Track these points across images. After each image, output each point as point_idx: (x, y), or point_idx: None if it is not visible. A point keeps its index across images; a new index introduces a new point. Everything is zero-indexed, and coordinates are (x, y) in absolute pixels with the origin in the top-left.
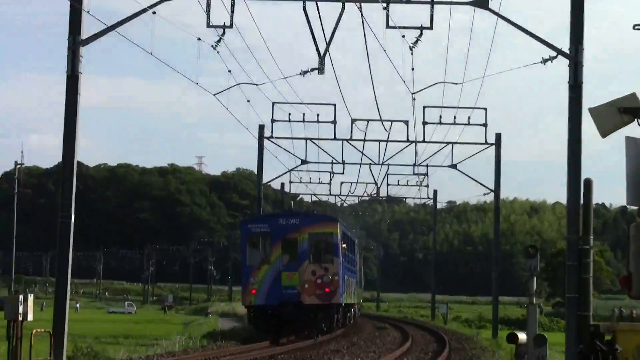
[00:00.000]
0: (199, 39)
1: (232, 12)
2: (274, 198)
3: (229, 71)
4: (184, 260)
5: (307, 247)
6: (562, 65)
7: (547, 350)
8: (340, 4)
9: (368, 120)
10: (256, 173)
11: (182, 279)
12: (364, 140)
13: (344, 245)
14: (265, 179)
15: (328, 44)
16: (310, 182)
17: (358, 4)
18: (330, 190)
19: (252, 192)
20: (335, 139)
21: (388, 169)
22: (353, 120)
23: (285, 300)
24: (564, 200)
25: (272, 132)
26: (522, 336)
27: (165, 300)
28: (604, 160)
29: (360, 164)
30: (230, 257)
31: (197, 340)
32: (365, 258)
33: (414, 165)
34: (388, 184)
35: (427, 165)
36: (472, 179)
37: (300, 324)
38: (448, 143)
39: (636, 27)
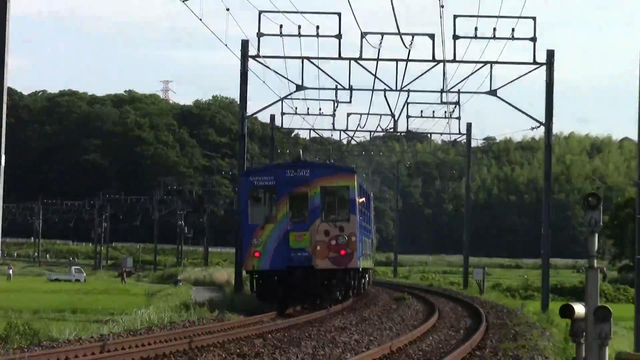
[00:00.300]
0: None
1: None
2: (262, 134)
3: None
4: (146, 214)
5: (319, 203)
6: None
7: (612, 326)
8: None
9: (382, 34)
10: (238, 102)
11: (144, 238)
12: (377, 59)
13: (360, 200)
14: (250, 110)
15: None
16: (308, 114)
17: None
18: (333, 124)
19: (234, 127)
20: (340, 58)
21: (408, 96)
22: (363, 34)
23: (294, 265)
24: (634, 135)
25: (258, 49)
26: (579, 309)
27: (123, 265)
28: None
29: (373, 90)
30: (207, 210)
31: (165, 314)
32: (378, 211)
33: (442, 91)
34: (408, 116)
35: (458, 92)
36: (517, 108)
37: (311, 292)
38: (486, 63)
39: None
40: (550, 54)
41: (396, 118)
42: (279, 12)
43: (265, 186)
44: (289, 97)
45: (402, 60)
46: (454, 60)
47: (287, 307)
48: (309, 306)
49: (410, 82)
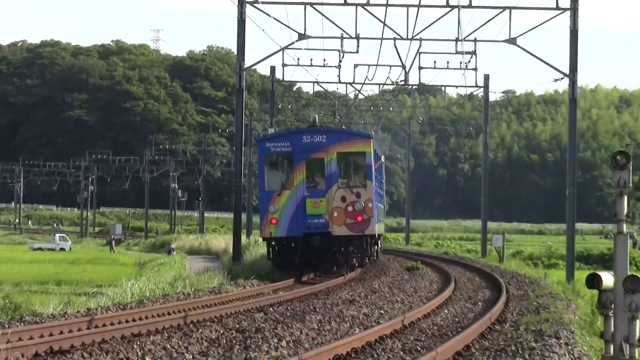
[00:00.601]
0: None
1: None
2: (262, 87)
3: None
4: (136, 177)
5: (336, 169)
6: None
7: None
8: None
9: None
10: (235, 53)
11: (133, 202)
12: (387, 5)
13: (376, 166)
14: (248, 61)
15: None
16: (311, 65)
17: None
18: (339, 76)
19: (231, 80)
20: (345, 4)
21: (420, 45)
22: None
23: (311, 231)
24: None
25: None
26: (607, 278)
27: (112, 233)
28: None
29: (382, 39)
30: (202, 172)
31: (157, 286)
32: (388, 171)
33: (457, 40)
34: (420, 67)
35: (474, 40)
36: (538, 58)
37: (328, 259)
38: (504, 8)
39: None
40: None
41: (407, 69)
42: None
43: (282, 152)
44: (291, 47)
45: (414, 5)
46: (469, 6)
47: (302, 274)
48: (323, 273)
49: (422, 30)
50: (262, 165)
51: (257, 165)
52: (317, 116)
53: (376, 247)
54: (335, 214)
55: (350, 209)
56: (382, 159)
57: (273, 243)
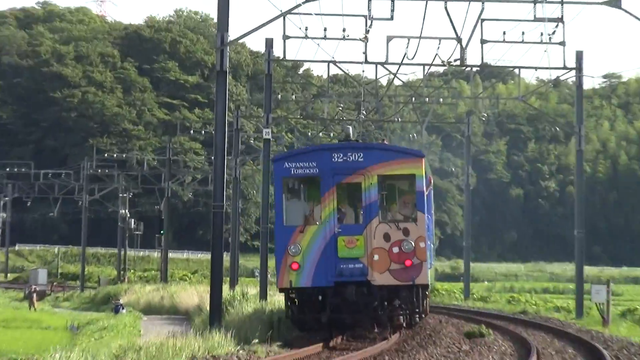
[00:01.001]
0: None
1: None
2: (253, 70)
3: None
4: (69, 199)
5: (377, 197)
6: None
7: None
8: None
9: None
10: (215, 20)
11: (65, 237)
12: None
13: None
14: (234, 33)
15: None
16: (325, 38)
17: None
18: (365, 53)
19: (208, 59)
20: None
21: (483, 9)
22: None
23: (343, 280)
24: None
25: None
26: None
27: (32, 282)
28: None
29: None
30: (166, 192)
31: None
32: (438, 190)
33: (536, 1)
34: (483, 41)
35: (561, 2)
36: None
37: (366, 316)
38: None
39: None
40: None
41: (463, 45)
42: None
43: (306, 175)
44: (296, 11)
45: None
46: None
47: (331, 337)
48: (357, 337)
49: None
50: (279, 193)
51: (274, 192)
52: (351, 127)
53: (426, 300)
54: (376, 256)
55: (395, 250)
56: (431, 180)
57: (293, 295)
